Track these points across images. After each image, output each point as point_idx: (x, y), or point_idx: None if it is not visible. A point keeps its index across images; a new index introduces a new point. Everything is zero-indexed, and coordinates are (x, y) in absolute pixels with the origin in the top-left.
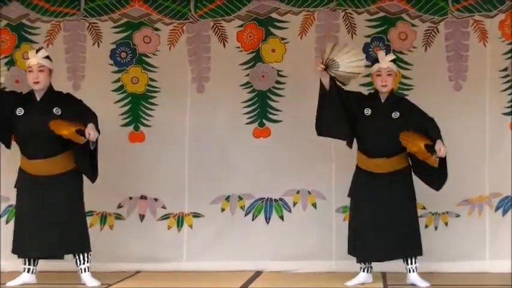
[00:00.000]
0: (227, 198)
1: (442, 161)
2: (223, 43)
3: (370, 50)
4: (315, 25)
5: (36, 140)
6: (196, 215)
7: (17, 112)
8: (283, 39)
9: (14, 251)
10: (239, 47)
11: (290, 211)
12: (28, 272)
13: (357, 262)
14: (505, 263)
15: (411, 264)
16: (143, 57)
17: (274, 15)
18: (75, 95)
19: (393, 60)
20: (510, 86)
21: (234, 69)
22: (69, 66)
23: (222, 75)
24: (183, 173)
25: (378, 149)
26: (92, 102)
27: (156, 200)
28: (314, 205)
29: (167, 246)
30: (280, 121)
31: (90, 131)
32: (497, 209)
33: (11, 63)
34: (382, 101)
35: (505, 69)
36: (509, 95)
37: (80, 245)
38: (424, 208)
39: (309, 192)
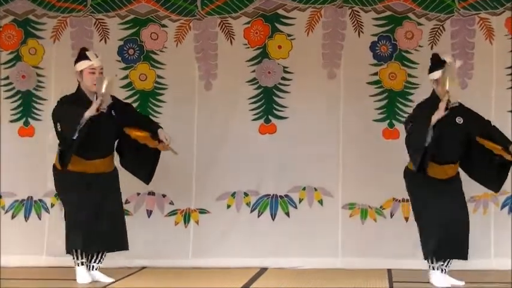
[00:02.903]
0: (233, 195)
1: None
2: (230, 40)
3: (377, 48)
4: (321, 22)
5: (100, 141)
6: (202, 211)
7: None
8: (289, 35)
9: (81, 247)
10: (246, 44)
11: (296, 208)
12: (96, 269)
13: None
14: (510, 261)
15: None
16: (151, 54)
17: (280, 11)
18: None
19: None
20: None
21: (241, 66)
22: None
23: (229, 72)
24: (191, 169)
25: (447, 156)
26: None
27: (164, 196)
28: (320, 202)
29: (173, 243)
30: (286, 117)
31: (166, 136)
32: (502, 206)
33: (17, 58)
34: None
35: (511, 67)
36: None
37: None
38: None
39: (315, 189)
